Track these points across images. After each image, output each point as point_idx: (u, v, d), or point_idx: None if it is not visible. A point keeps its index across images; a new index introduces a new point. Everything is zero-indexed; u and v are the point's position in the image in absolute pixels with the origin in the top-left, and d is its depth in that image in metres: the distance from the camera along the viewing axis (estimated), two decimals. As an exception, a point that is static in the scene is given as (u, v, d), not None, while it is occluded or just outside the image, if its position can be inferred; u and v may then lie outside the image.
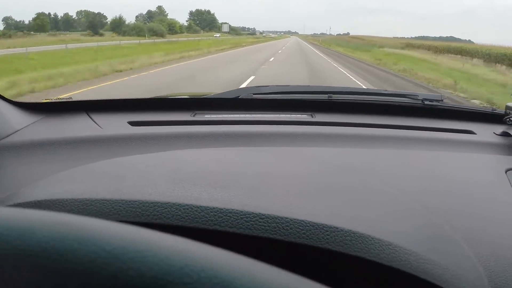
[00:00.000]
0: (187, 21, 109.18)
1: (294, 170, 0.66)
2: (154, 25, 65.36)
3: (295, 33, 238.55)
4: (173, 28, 78.75)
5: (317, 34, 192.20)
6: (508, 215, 0.65)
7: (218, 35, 73.16)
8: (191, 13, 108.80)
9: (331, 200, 0.55)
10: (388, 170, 0.77)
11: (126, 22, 66.80)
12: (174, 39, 47.90)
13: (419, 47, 33.61)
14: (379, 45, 37.24)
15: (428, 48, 31.05)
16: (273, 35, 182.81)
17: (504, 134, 1.06)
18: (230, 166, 0.65)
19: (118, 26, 61.43)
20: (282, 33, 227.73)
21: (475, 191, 0.72)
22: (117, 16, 71.82)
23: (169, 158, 0.68)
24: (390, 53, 28.23)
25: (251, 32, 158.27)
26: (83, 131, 0.91)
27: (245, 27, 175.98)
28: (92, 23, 63.64)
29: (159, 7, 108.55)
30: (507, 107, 1.09)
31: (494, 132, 1.08)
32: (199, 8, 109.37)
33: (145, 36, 52.46)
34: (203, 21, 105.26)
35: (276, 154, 0.78)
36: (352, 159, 0.82)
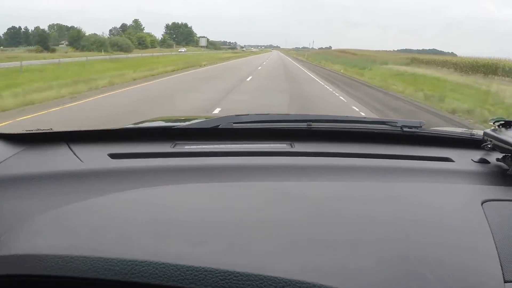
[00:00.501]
0: (162, 35, 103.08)
1: (271, 215, 0.68)
2: (120, 39, 58.65)
3: (277, 47, 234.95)
4: (143, 42, 72.10)
5: (299, 48, 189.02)
6: (482, 251, 0.64)
7: (183, 50, 66.55)
8: (167, 27, 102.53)
9: (307, 251, 0.57)
10: (365, 208, 0.77)
11: (102, 36, 60.13)
12: (135, 54, 41.36)
13: (428, 62, 27.12)
14: (381, 61, 30.75)
15: (443, 65, 24.67)
16: (254, 49, 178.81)
17: (482, 161, 1.06)
18: (208, 213, 0.68)
19: (76, 40, 54.24)
20: (263, 47, 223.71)
21: (450, 227, 0.71)
22: (78, 27, 64.77)
23: (147, 202, 0.71)
24: (402, 72, 22.12)
25: (232, 46, 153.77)
26: (64, 165, 0.91)
27: (226, 41, 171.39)
28: (73, 38, 56.03)
29: (135, 21, 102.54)
30: (485, 134, 1.08)
31: (472, 159, 1.07)
32: (176, 21, 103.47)
33: (107, 51, 45.73)
34: (180, 34, 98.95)
35: (255, 192, 0.80)
36: (330, 195, 0.82)
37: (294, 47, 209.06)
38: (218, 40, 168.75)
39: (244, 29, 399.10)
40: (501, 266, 0.60)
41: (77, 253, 0.52)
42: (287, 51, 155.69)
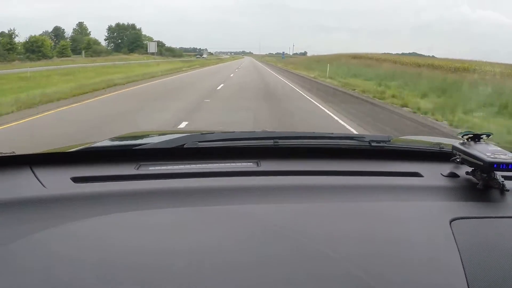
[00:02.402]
0: (106, 39, 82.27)
1: (230, 250, 0.68)
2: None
3: (250, 53, 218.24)
4: (38, 49, 51.04)
5: (273, 54, 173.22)
6: (449, 271, 0.65)
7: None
8: (109, 29, 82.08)
9: (277, 283, 0.60)
10: (330, 230, 0.77)
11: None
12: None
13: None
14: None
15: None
16: (225, 56, 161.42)
17: (452, 175, 1.05)
18: (168, 247, 0.67)
19: None
20: (233, 54, 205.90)
21: (418, 248, 0.72)
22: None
23: (101, 235, 0.70)
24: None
25: (199, 53, 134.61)
26: (27, 191, 0.88)
27: (196, 48, 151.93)
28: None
29: (80, 24, 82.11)
30: (454, 148, 1.06)
31: (441, 173, 1.07)
32: (121, 22, 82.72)
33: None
34: (125, 38, 78.54)
35: (219, 219, 0.79)
36: (295, 218, 0.81)
37: (268, 52, 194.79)
38: (188, 46, 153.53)
39: (215, 36, 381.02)
40: (468, 286, 0.61)
41: None
42: (261, 57, 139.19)
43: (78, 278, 0.57)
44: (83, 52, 61.88)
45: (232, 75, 26.84)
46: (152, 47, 67.34)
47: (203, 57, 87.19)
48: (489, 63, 19.68)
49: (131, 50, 73.15)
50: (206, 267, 0.63)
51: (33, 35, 55.53)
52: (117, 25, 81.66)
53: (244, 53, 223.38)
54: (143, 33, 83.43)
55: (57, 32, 76.08)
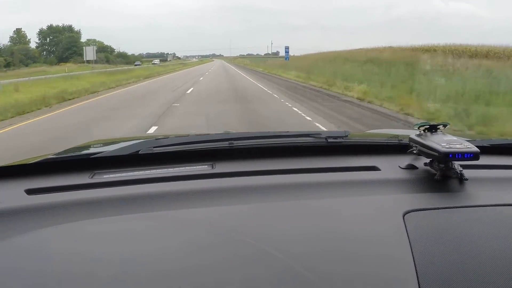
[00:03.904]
0: (37, 46, 65.79)
1: (189, 255, 0.67)
2: None
3: (220, 56, 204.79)
4: None
5: (244, 55, 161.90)
6: (400, 266, 0.65)
7: None
8: (41, 33, 65.54)
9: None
10: (281, 230, 0.76)
11: None
12: None
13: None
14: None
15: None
16: (193, 60, 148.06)
17: (409, 167, 1.05)
18: (111, 263, 0.66)
19: None
20: (200, 57, 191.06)
21: (366, 244, 0.71)
22: None
23: (43, 254, 0.68)
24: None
25: (163, 59, 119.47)
26: None
27: (163, 53, 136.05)
28: None
29: (17, 31, 65.63)
30: (410, 140, 1.06)
31: (399, 166, 1.06)
32: (54, 24, 65.90)
33: None
34: (59, 43, 62.12)
35: (174, 224, 0.78)
36: (248, 219, 0.80)
37: (239, 54, 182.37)
38: (155, 52, 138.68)
39: (183, 40, 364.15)
40: (418, 283, 0.61)
41: None
42: (232, 60, 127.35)
43: None
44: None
45: (177, 105, 12.21)
46: (90, 54, 51.21)
47: (169, 61, 70.11)
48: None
49: (65, 59, 57.20)
50: (156, 274, 0.62)
51: None
52: (50, 28, 65.28)
53: (214, 56, 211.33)
54: (98, 37, 67.65)
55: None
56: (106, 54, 65.94)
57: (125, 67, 49.64)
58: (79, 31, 67.01)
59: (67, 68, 40.10)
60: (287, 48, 30.19)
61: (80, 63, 53.10)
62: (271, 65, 44.72)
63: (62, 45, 61.18)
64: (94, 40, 79.51)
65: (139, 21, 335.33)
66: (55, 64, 51.15)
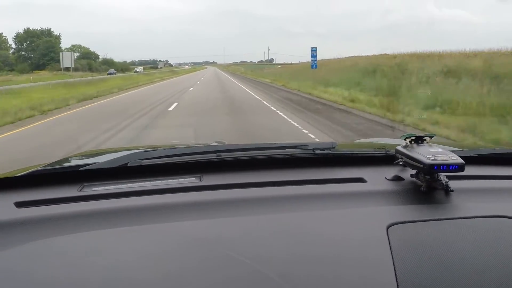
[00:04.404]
0: (13, 52, 60.31)
1: (176, 265, 0.69)
2: None
3: (213, 63, 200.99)
4: None
5: (237, 62, 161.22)
6: (381, 282, 0.65)
7: None
8: (17, 37, 59.92)
9: None
10: (261, 243, 0.76)
11: None
12: None
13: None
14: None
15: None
16: (186, 67, 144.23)
17: (396, 179, 1.05)
18: (107, 278, 0.66)
19: None
20: (192, 64, 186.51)
21: (350, 260, 0.71)
22: None
23: (28, 269, 0.68)
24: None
25: (153, 66, 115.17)
26: None
27: (156, 60, 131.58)
28: None
29: None
30: (396, 151, 1.05)
31: (385, 177, 1.06)
32: (31, 28, 59.88)
33: None
34: (36, 48, 56.53)
35: (162, 237, 0.79)
36: (235, 233, 0.81)
37: (232, 61, 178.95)
38: (148, 59, 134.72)
39: (176, 47, 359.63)
40: None
41: None
42: (226, 67, 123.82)
43: None
44: None
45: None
46: (67, 60, 46.03)
47: (136, 71, 61.55)
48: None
49: (42, 66, 51.94)
50: (143, 285, 0.63)
51: None
52: (27, 31, 59.90)
53: (207, 63, 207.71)
54: (86, 43, 61.95)
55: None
56: (89, 61, 60.58)
57: (104, 76, 44.38)
58: (59, 35, 61.39)
59: (33, 77, 34.87)
60: (314, 50, 20.37)
61: (57, 70, 47.84)
62: (272, 74, 39.60)
63: (39, 50, 55.71)
64: (80, 46, 74.30)
65: (133, 27, 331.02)
66: (28, 72, 45.95)
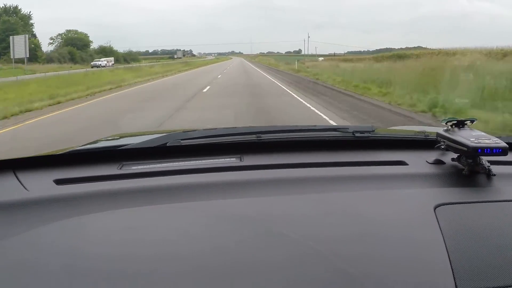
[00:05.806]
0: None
1: (217, 241, 0.69)
2: None
3: (240, 54, 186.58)
4: None
5: (264, 53, 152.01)
6: (434, 262, 0.65)
7: None
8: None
9: (258, 275, 0.60)
10: (313, 223, 0.76)
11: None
12: None
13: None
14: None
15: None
16: (209, 57, 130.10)
17: (437, 162, 1.05)
18: (154, 244, 0.68)
19: None
20: (216, 55, 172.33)
21: (401, 239, 0.71)
22: None
23: (72, 244, 0.69)
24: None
25: (171, 56, 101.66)
26: (9, 195, 0.87)
27: (179, 49, 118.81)
28: None
29: None
30: (438, 135, 1.05)
31: (427, 161, 1.06)
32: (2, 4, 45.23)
33: None
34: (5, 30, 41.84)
35: (204, 214, 0.79)
36: (278, 211, 0.80)
37: (259, 52, 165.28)
38: (171, 48, 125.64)
39: (201, 36, 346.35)
40: (454, 276, 0.61)
41: None
42: (253, 57, 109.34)
43: (43, 282, 0.58)
44: None
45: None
46: (20, 49, 31.12)
47: (93, 64, 39.24)
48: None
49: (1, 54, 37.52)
50: (184, 261, 0.63)
51: None
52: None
53: (233, 54, 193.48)
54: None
55: None
56: (70, 48, 45.79)
57: (80, 70, 29.60)
58: (29, 15, 46.64)
59: None
60: None
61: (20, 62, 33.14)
62: (332, 71, 23.73)
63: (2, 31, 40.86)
64: (76, 31, 60.06)
65: (154, 16, 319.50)
66: None
